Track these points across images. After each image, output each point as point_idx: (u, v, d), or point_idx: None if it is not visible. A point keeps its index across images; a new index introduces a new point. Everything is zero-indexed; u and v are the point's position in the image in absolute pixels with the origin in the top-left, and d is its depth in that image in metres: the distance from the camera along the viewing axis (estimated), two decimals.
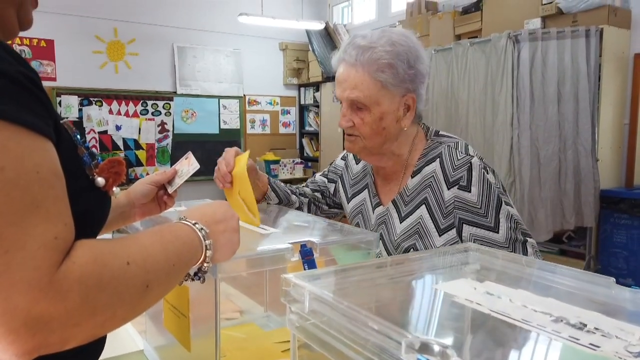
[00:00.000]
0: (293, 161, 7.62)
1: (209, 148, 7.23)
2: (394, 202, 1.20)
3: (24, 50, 5.95)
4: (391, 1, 6.79)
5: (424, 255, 0.78)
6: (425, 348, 0.35)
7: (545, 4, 4.31)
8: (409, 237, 1.14)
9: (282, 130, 7.99)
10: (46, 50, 6.09)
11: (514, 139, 3.41)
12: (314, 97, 7.77)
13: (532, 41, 3.55)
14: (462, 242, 1.11)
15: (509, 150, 3.41)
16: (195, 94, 7.07)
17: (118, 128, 6.59)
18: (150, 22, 6.64)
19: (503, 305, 0.46)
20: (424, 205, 1.14)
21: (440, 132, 1.22)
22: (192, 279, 0.70)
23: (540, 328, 0.43)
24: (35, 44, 6.03)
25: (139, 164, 6.75)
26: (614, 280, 0.58)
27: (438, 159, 1.15)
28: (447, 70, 3.96)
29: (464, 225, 1.10)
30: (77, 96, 6.29)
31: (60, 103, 6.15)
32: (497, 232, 1.09)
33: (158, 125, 6.86)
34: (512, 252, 1.08)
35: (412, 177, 1.18)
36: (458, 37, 5.16)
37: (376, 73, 1.08)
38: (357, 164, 1.37)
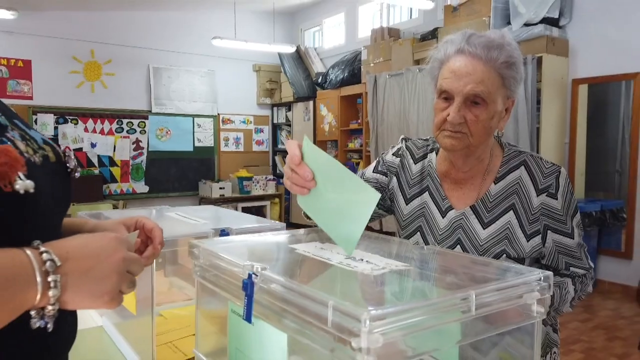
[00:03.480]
0: (266, 178, 7.85)
1: (183, 165, 7.46)
2: (473, 208, 1.16)
3: (1, 70, 6.13)
4: (358, 27, 7.18)
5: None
6: (251, 267, 0.61)
7: None
8: (499, 242, 1.12)
9: (255, 148, 8.25)
10: (23, 70, 6.27)
11: None
12: (286, 116, 8.07)
13: None
14: (544, 247, 1.12)
15: None
16: (170, 113, 7.30)
17: (93, 145, 6.77)
18: (126, 43, 6.89)
19: (325, 254, 0.73)
20: (511, 211, 1.13)
21: (511, 142, 1.24)
22: (39, 322, 0.55)
23: (334, 262, 0.69)
24: (12, 64, 6.21)
25: (114, 180, 6.91)
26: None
27: (523, 167, 1.15)
28: (400, 94, 4.30)
29: (548, 231, 1.12)
30: (53, 114, 6.47)
31: (35, 121, 6.32)
32: (573, 239, 1.13)
33: (133, 143, 7.06)
34: (579, 256, 1.14)
35: (495, 183, 1.15)
36: (417, 62, 5.54)
37: (504, 70, 1.05)
38: (415, 163, 1.27)
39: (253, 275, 0.60)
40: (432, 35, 5.41)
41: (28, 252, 0.54)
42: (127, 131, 7.01)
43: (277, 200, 7.86)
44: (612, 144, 5.09)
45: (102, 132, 6.83)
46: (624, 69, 4.27)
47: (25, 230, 0.57)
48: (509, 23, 4.67)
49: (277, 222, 1.23)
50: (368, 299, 0.55)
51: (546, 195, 1.12)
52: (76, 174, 0.69)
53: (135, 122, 7.06)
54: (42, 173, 0.59)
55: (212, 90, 7.66)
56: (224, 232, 1.03)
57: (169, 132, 7.33)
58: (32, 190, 0.55)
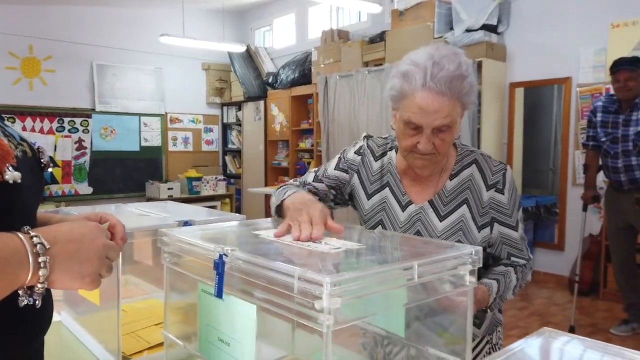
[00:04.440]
0: (216, 178, 7.80)
1: (129, 165, 7.27)
2: (431, 202, 1.25)
3: None
4: (308, 28, 7.28)
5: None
6: (221, 249, 0.67)
7: (436, 38, 4.95)
8: (454, 233, 1.22)
9: (204, 147, 8.16)
10: None
11: None
12: (237, 115, 8.04)
13: None
14: (491, 237, 1.24)
15: None
16: (115, 112, 7.09)
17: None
18: (68, 39, 6.63)
19: (287, 238, 0.80)
20: (465, 205, 1.23)
21: (462, 143, 1.34)
22: (27, 300, 0.60)
23: (294, 245, 0.77)
24: None
25: (54, 181, 6.63)
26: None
27: (475, 164, 1.25)
28: (350, 94, 4.43)
29: (495, 223, 1.23)
30: None
31: None
32: (517, 231, 1.24)
33: (75, 143, 6.81)
34: (521, 247, 1.25)
35: (450, 180, 1.25)
36: (366, 64, 5.70)
37: (464, 98, 1.12)
38: (375, 160, 1.34)
39: (223, 256, 0.66)
40: (380, 38, 5.58)
41: (20, 235, 0.59)
42: (69, 130, 6.76)
43: (227, 200, 7.82)
44: (546, 143, 5.48)
45: (41, 131, 6.54)
46: (556, 73, 4.60)
47: (11, 217, 0.62)
48: (451, 28, 4.91)
49: (237, 214, 1.29)
50: (327, 269, 0.63)
51: (494, 191, 1.23)
52: (49, 169, 0.75)
53: (78, 120, 6.81)
54: (22, 167, 0.64)
55: (160, 88, 7.51)
56: (187, 224, 1.07)
57: (113, 131, 7.13)
58: (19, 181, 0.61)
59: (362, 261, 0.70)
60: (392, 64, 4.14)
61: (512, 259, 1.25)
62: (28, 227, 0.61)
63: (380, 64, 5.27)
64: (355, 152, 1.36)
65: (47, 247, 0.60)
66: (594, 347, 0.57)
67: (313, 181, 1.36)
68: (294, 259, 0.69)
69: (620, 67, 3.22)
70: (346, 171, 1.35)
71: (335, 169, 1.36)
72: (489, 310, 1.22)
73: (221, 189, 7.73)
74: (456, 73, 1.09)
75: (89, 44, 6.81)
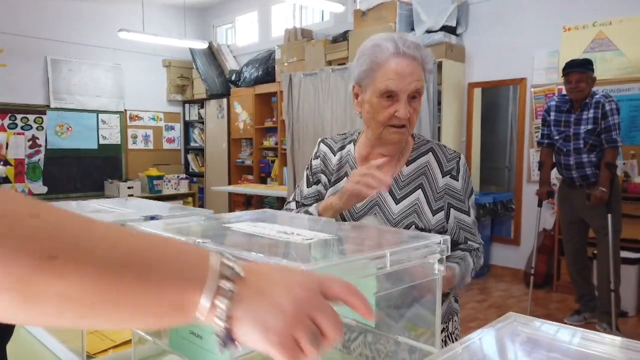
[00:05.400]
0: (178, 177, 7.66)
1: (86, 163, 7.04)
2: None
3: None
4: (272, 27, 7.25)
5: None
6: (194, 241, 0.67)
7: None
8: (409, 215, 1.27)
9: (166, 146, 8.00)
10: None
11: None
12: (199, 113, 7.92)
13: None
14: (447, 223, 1.29)
15: None
16: (71, 108, 6.85)
17: None
18: (21, 32, 6.35)
19: (259, 230, 0.81)
20: (420, 190, 1.29)
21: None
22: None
23: (268, 235, 0.78)
24: None
25: (7, 180, 6.34)
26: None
27: (431, 153, 1.32)
28: (314, 93, 4.45)
29: (451, 209, 1.29)
30: None
31: None
32: (469, 216, 1.31)
33: (29, 140, 6.53)
34: (474, 232, 1.31)
35: (406, 166, 1.31)
36: (329, 63, 5.73)
37: (428, 66, 1.21)
38: (334, 155, 1.40)
39: None
40: (343, 37, 5.63)
41: (212, 252, 0.46)
42: (22, 127, 6.48)
43: (190, 199, 7.70)
44: (503, 142, 5.67)
45: None
46: (512, 74, 4.77)
47: None
48: (412, 29, 5.01)
49: (204, 209, 1.28)
50: (302, 258, 0.64)
51: (450, 177, 1.29)
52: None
53: (31, 117, 6.54)
54: None
55: (119, 85, 7.31)
56: (154, 218, 1.06)
57: (70, 129, 6.88)
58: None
59: (334, 250, 0.72)
60: (347, 65, 4.18)
61: (469, 242, 1.31)
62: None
63: (344, 64, 5.31)
64: (314, 159, 1.43)
65: (241, 274, 0.44)
66: (565, 329, 0.60)
67: (297, 207, 1.40)
68: (267, 250, 0.70)
69: (572, 69, 3.37)
70: (317, 182, 1.41)
71: (308, 187, 1.42)
72: (450, 295, 1.26)
73: (183, 188, 7.60)
74: (419, 42, 1.21)
75: (43, 37, 6.54)
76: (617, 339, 0.58)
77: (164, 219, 1.05)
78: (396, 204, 1.29)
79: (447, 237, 0.74)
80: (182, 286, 0.43)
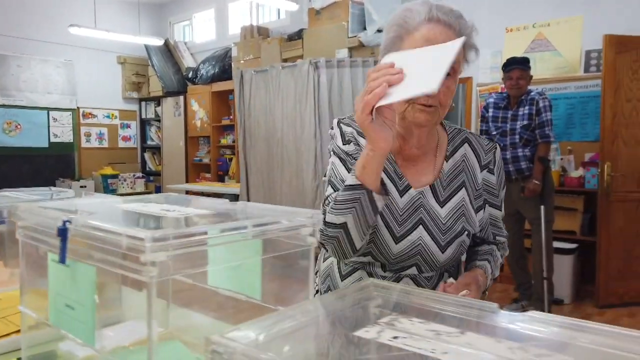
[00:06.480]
0: (134, 175, 7.54)
1: (37, 162, 6.84)
2: (432, 187, 1.12)
3: None
4: (229, 24, 7.23)
5: None
6: (66, 216, 0.71)
7: (350, 37, 5.11)
8: (458, 219, 1.12)
9: (121, 144, 7.85)
10: None
11: (317, 149, 4.05)
12: (156, 111, 7.81)
13: (329, 68, 4.25)
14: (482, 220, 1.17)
15: (314, 158, 4.04)
16: (20, 105, 6.65)
17: None
18: None
19: (145, 208, 0.85)
20: (463, 188, 1.14)
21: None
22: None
23: (149, 212, 0.81)
24: None
25: None
26: None
27: (467, 144, 1.16)
28: (265, 89, 4.48)
29: (487, 205, 1.17)
30: None
31: None
32: (500, 210, 1.20)
33: None
34: (501, 225, 1.21)
35: (446, 161, 1.14)
36: (285, 61, 5.77)
37: (470, 40, 1.04)
38: (363, 138, 1.11)
39: (67, 222, 0.69)
40: (298, 35, 5.68)
41: None
42: None
43: None
44: None
45: None
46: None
47: None
48: (364, 28, 5.10)
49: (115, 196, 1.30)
50: (156, 227, 0.68)
51: (487, 171, 1.17)
52: None
53: None
54: None
55: (71, 81, 7.13)
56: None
57: (18, 127, 6.67)
58: None
59: (200, 223, 0.76)
60: (308, 61, 4.24)
61: (497, 238, 1.22)
62: None
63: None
64: (345, 143, 1.15)
65: None
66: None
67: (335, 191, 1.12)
68: (133, 222, 0.73)
69: (513, 66, 3.52)
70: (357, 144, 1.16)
71: (343, 144, 1.16)
72: (486, 294, 1.17)
73: (140, 187, 7.49)
74: (459, 11, 1.03)
75: None
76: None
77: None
78: (441, 207, 1.12)
79: (317, 211, 0.79)
80: None
